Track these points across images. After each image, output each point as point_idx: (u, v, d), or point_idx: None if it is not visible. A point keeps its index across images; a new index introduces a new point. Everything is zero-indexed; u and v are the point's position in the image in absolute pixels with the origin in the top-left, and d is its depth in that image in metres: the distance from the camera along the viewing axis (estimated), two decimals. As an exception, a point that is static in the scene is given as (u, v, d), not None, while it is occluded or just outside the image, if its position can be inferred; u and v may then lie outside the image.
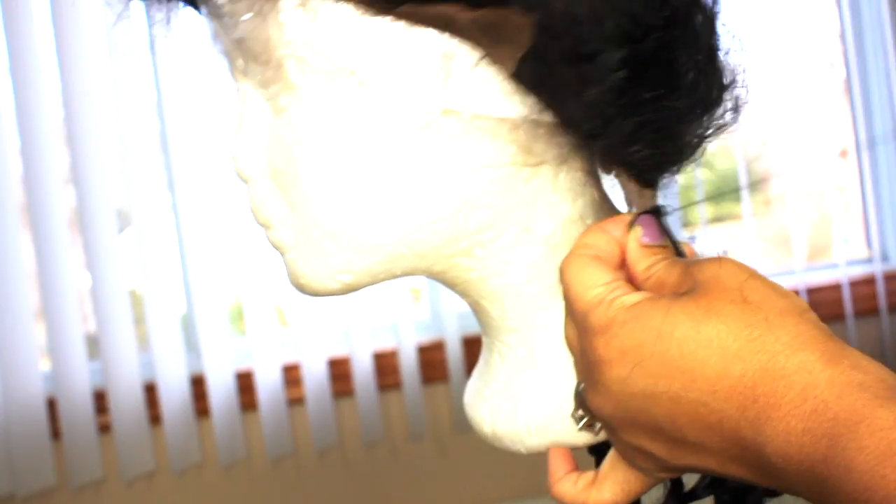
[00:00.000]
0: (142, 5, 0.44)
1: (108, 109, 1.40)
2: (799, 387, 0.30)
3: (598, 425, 0.42)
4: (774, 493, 0.44)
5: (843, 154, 1.82)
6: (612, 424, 0.37)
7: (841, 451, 0.29)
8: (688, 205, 1.58)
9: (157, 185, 1.42)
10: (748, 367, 0.32)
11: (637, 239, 0.40)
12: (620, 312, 0.35)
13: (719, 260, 0.35)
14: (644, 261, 0.39)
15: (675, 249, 0.40)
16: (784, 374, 0.31)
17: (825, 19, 1.74)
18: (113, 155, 1.40)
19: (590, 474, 0.42)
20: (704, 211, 1.65)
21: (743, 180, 1.66)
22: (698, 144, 0.41)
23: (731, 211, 1.76)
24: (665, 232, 0.40)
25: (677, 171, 0.42)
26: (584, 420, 0.42)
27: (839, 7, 1.71)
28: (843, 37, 1.72)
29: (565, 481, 0.42)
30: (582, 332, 0.37)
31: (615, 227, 0.41)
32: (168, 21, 0.43)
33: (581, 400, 0.41)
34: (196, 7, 0.45)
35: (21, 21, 1.35)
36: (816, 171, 1.79)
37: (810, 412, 0.30)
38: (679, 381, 0.33)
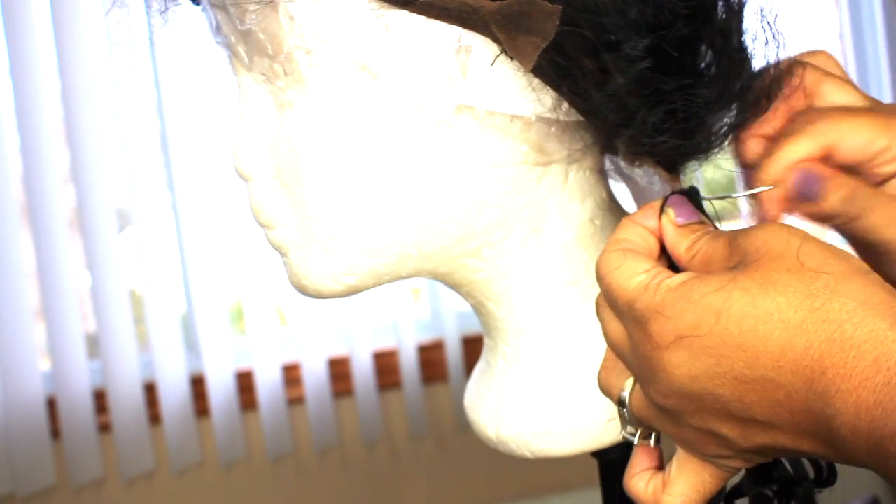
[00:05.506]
0: (141, 2, 0.42)
1: (108, 109, 1.39)
2: (870, 357, 0.28)
3: (638, 432, 0.39)
4: (826, 484, 0.43)
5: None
6: (678, 412, 0.34)
7: None
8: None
9: (157, 184, 1.42)
10: (813, 339, 0.30)
11: (671, 221, 0.38)
12: (668, 295, 0.33)
13: (767, 226, 0.33)
14: (684, 241, 0.37)
15: (713, 224, 0.39)
16: (853, 343, 0.29)
17: (825, 19, 1.74)
18: (113, 155, 1.40)
19: (660, 477, 0.39)
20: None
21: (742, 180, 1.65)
22: (728, 133, 0.39)
23: (729, 209, 1.75)
24: (699, 207, 0.39)
25: (705, 159, 0.40)
26: (629, 428, 0.39)
27: (839, 7, 1.71)
28: (842, 37, 1.72)
29: (637, 479, 0.40)
30: (631, 324, 0.35)
31: (646, 217, 0.38)
32: (164, 11, 0.41)
33: (623, 406, 0.39)
34: (195, 1, 0.43)
35: (21, 21, 1.35)
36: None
37: (883, 385, 0.28)
38: (742, 360, 0.31)
